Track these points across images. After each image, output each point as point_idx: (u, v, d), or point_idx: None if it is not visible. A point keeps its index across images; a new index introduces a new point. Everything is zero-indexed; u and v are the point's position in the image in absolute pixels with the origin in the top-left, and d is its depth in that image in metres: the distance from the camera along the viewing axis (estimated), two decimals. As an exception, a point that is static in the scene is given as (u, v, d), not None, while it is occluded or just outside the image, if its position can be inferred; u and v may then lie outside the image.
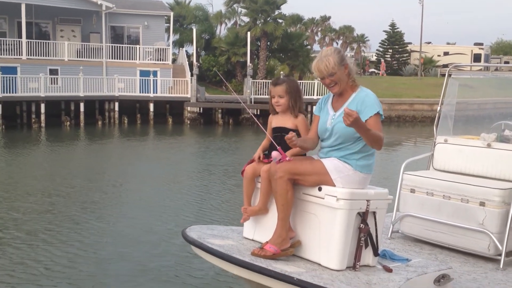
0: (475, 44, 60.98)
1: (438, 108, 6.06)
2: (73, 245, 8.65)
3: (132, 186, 13.57)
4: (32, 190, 12.77)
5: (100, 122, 29.34)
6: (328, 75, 3.70)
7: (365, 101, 3.68)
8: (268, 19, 38.69)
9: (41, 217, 10.41)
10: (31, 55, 30.04)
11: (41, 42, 30.50)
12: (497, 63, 56.67)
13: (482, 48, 59.41)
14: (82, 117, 28.26)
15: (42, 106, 26.97)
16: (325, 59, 3.68)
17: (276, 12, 39.45)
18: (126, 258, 8.06)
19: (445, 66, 52.45)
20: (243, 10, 40.77)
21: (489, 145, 5.34)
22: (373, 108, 3.64)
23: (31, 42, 30.14)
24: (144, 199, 12.04)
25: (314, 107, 4.28)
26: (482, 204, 4.72)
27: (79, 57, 31.58)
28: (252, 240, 3.99)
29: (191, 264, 7.71)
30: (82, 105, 28.37)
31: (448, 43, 70.72)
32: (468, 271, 4.50)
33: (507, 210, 4.66)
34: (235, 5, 42.41)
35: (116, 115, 29.76)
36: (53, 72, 29.80)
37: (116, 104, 29.81)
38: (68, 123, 28.04)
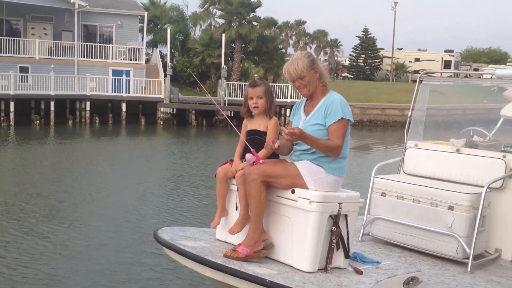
0: (446, 51, 62.12)
1: (409, 113, 6.16)
2: (33, 255, 8.14)
3: (101, 188, 13.34)
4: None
5: (70, 122, 28.92)
6: (297, 78, 3.77)
7: (331, 105, 3.74)
8: (243, 21, 38.75)
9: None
10: (1, 53, 29.45)
11: (11, 40, 29.91)
12: (467, 70, 57.78)
13: (452, 55, 60.51)
14: (52, 116, 27.75)
15: (12, 104, 26.43)
16: (295, 62, 3.77)
17: (251, 15, 39.54)
18: (93, 263, 7.90)
19: (416, 72, 53.33)
20: (218, 12, 40.75)
21: (458, 150, 5.45)
22: (337, 113, 3.71)
23: (1, 39, 29.55)
24: (113, 201, 11.88)
25: (288, 110, 4.33)
26: (450, 208, 4.81)
27: (51, 55, 31.05)
28: (225, 242, 3.99)
29: (161, 266, 7.65)
30: (52, 103, 27.86)
31: (419, 50, 71.91)
32: (436, 274, 4.58)
33: (475, 214, 4.76)
34: (210, 7, 42.35)
35: (88, 115, 29.35)
36: (24, 70, 29.25)
37: (88, 103, 29.40)
38: (38, 122, 27.55)
